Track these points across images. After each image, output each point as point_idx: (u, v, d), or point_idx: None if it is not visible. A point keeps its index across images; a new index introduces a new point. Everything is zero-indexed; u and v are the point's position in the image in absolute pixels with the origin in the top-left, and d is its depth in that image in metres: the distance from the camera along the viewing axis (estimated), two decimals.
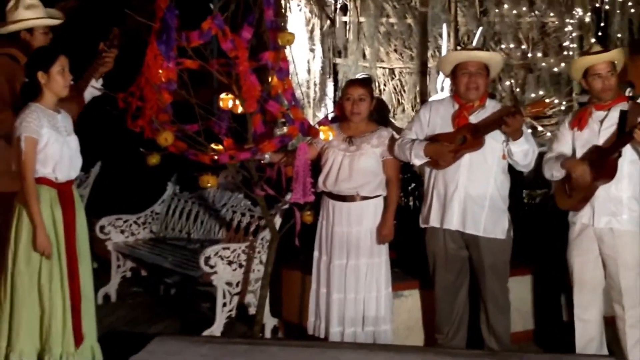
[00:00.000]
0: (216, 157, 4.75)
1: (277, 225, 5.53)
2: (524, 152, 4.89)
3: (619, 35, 10.11)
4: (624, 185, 4.79)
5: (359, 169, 5.07)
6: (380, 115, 6.20)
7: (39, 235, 4.24)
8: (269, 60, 4.73)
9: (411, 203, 6.73)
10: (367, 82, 5.61)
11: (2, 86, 4.88)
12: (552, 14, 10.62)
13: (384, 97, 11.07)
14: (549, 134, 9.51)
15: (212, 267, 5.66)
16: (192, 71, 4.78)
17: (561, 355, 4.83)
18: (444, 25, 10.61)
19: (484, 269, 5.03)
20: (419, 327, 5.63)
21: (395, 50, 11.59)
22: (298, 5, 11.52)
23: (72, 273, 4.37)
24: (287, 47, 4.71)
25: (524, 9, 10.65)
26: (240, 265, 5.78)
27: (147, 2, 4.72)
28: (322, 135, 5.06)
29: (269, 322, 5.90)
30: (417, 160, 5.03)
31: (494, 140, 4.90)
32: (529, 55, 10.73)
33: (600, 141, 4.82)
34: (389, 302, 5.18)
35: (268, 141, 4.80)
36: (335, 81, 11.63)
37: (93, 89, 5.13)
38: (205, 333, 5.62)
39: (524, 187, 7.11)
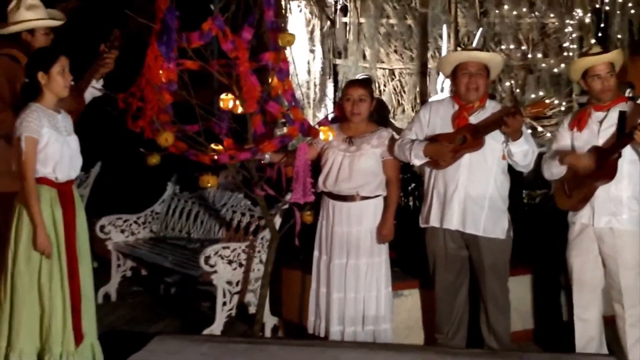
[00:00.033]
0: (216, 157, 4.76)
1: (277, 225, 5.54)
2: (523, 152, 4.89)
3: (619, 36, 10.10)
4: (624, 185, 4.80)
5: (359, 169, 5.08)
6: (380, 115, 6.21)
7: (39, 235, 4.24)
8: (269, 61, 4.75)
9: (411, 203, 6.73)
10: (367, 83, 5.62)
11: (3, 86, 4.89)
12: (552, 15, 10.61)
13: (384, 97, 11.06)
14: (548, 134, 9.50)
15: (212, 266, 5.66)
16: (193, 72, 4.80)
17: (561, 354, 4.83)
18: (444, 26, 10.60)
19: (483, 269, 5.04)
20: (418, 326, 5.64)
21: (396, 51, 11.59)
22: (298, 6, 11.52)
23: (72, 273, 4.38)
24: (288, 47, 4.72)
25: (524, 10, 10.64)
26: (240, 265, 5.79)
27: (148, 3, 4.74)
28: (322, 136, 5.07)
29: (269, 321, 5.91)
30: (417, 161, 5.04)
31: (494, 140, 4.91)
32: (529, 56, 10.72)
33: (600, 142, 4.82)
34: (389, 302, 5.19)
35: (268, 141, 4.81)
36: (335, 82, 11.63)
37: (94, 90, 5.15)
38: (206, 332, 5.62)
39: (524, 187, 7.11)
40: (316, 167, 5.22)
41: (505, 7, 10.65)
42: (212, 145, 4.81)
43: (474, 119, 4.98)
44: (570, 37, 10.32)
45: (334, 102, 11.06)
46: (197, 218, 6.93)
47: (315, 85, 11.52)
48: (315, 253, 5.26)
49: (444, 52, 10.42)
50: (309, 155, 5.07)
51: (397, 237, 5.19)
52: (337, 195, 5.13)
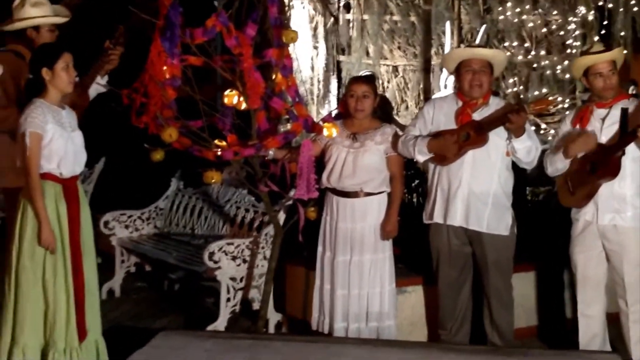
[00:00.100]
0: (220, 153, 4.76)
1: (281, 221, 5.54)
2: (526, 149, 4.90)
3: (622, 33, 10.09)
4: (627, 182, 4.80)
5: (362, 166, 5.09)
6: (383, 112, 6.20)
7: (44, 231, 4.25)
8: (272, 58, 4.75)
9: (415, 199, 6.73)
10: (370, 79, 5.61)
11: (7, 82, 4.90)
12: (555, 12, 10.60)
13: (388, 94, 11.07)
14: (552, 131, 9.51)
15: (216, 262, 5.67)
16: (196, 68, 4.79)
17: (564, 351, 4.85)
18: (448, 23, 10.59)
19: (487, 265, 5.04)
20: (422, 322, 5.65)
21: (399, 48, 11.57)
22: (302, 2, 11.51)
23: (76, 268, 4.39)
24: (291, 44, 4.72)
25: (528, 7, 10.63)
26: (244, 261, 5.79)
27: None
28: (325, 132, 5.08)
29: (273, 317, 5.91)
30: (421, 157, 5.04)
31: (498, 137, 4.91)
32: (533, 53, 10.71)
33: (603, 139, 4.82)
34: (393, 298, 5.20)
35: (272, 137, 4.82)
36: (339, 78, 11.61)
37: (98, 86, 5.15)
38: (209, 328, 5.63)
39: (528, 184, 7.11)
40: (320, 163, 5.22)
41: (509, 4, 10.64)
42: (216, 141, 4.81)
43: (478, 116, 4.98)
44: (574, 35, 10.32)
45: (338, 99, 11.04)
46: (201, 214, 6.94)
47: (318, 82, 11.50)
48: (319, 249, 5.26)
49: (447, 49, 10.41)
50: (312, 151, 5.07)
51: (400, 233, 5.19)
52: (341, 191, 5.14)
